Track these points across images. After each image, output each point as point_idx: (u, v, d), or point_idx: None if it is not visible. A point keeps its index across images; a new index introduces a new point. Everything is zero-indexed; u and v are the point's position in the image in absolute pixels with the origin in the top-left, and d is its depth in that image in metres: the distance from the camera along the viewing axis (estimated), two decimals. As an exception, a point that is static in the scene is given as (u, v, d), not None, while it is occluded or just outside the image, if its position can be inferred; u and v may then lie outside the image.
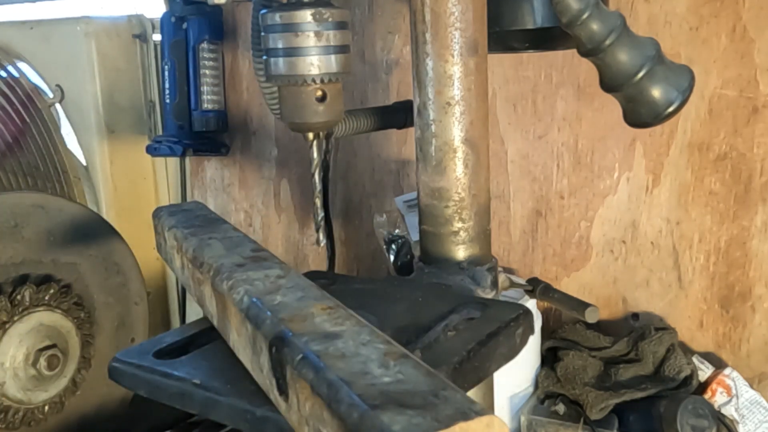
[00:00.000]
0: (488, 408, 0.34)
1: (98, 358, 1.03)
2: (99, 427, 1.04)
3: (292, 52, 0.56)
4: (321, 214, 0.62)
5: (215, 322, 0.53)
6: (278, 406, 0.43)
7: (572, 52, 0.63)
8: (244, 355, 0.48)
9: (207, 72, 1.33)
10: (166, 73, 1.33)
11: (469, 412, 0.33)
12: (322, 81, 0.57)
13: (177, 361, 0.51)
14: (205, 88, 1.33)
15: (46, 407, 0.97)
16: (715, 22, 0.93)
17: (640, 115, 0.60)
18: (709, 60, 0.94)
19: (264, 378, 0.44)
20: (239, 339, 0.48)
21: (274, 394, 0.43)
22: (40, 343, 0.95)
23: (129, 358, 0.52)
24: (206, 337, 0.55)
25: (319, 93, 0.58)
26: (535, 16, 0.70)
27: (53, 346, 0.96)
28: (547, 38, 0.73)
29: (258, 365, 0.45)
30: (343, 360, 0.39)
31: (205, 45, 1.32)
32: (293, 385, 0.40)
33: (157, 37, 1.41)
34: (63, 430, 1.00)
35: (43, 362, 0.95)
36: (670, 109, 0.59)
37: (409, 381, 0.37)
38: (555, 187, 1.08)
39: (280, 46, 0.56)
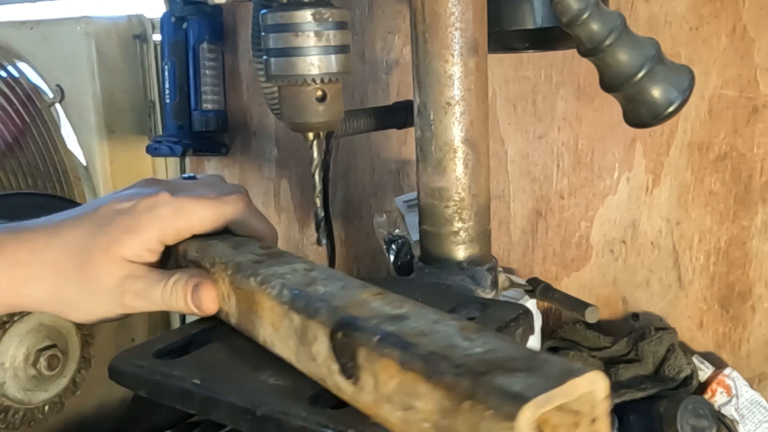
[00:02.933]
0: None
1: (98, 358, 1.03)
2: (99, 427, 1.04)
3: (292, 52, 0.56)
4: (321, 214, 0.62)
5: (233, 321, 0.53)
6: (338, 391, 0.43)
7: (572, 52, 0.63)
8: (284, 348, 0.48)
9: (207, 72, 1.33)
10: (166, 73, 1.33)
11: (574, 371, 0.34)
12: (322, 81, 0.57)
13: (177, 361, 0.51)
14: (205, 88, 1.33)
15: (46, 407, 0.97)
16: (715, 22, 0.93)
17: (640, 115, 0.60)
18: (709, 60, 0.94)
19: (318, 366, 0.44)
20: (277, 333, 0.48)
21: (333, 380, 0.43)
22: (40, 343, 0.95)
23: (129, 358, 0.52)
24: (206, 337, 0.55)
25: (319, 93, 0.58)
26: (535, 16, 0.70)
27: (53, 346, 0.96)
28: (547, 38, 0.73)
29: (308, 355, 0.45)
30: (424, 337, 0.39)
31: (205, 45, 1.32)
32: (369, 366, 0.40)
33: (157, 37, 1.41)
34: (63, 430, 1.00)
35: (43, 362, 0.94)
36: (670, 109, 0.59)
37: (500, 350, 0.37)
38: (555, 187, 1.08)
39: (280, 46, 0.56)
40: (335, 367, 0.43)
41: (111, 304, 0.55)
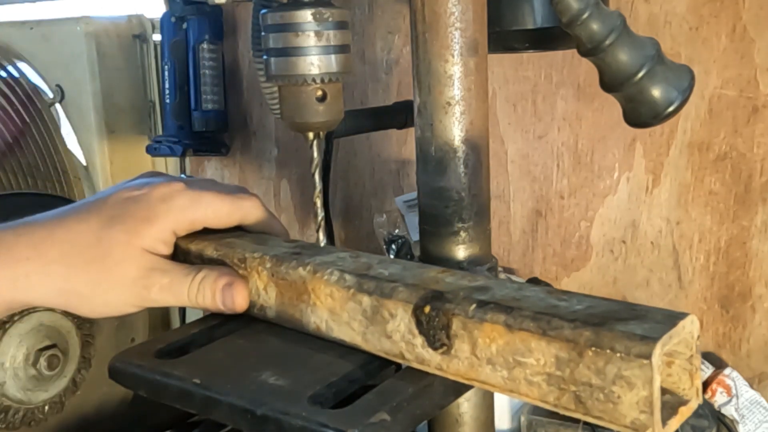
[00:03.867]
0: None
1: (98, 358, 1.03)
2: (99, 427, 1.04)
3: (292, 51, 0.56)
4: (321, 214, 0.62)
5: (270, 314, 0.54)
6: (420, 364, 0.46)
7: (572, 52, 0.63)
8: (347, 330, 0.49)
9: (207, 72, 1.33)
10: (166, 73, 1.33)
11: (677, 315, 0.39)
12: (322, 81, 0.57)
13: (177, 361, 0.51)
14: (205, 88, 1.33)
15: (46, 407, 0.97)
16: (715, 22, 0.93)
17: (640, 115, 0.60)
18: (709, 60, 0.94)
19: (394, 343, 0.46)
20: (338, 317, 0.49)
21: (414, 354, 0.46)
22: (40, 343, 0.95)
23: (129, 358, 0.52)
24: (206, 337, 0.55)
25: (320, 93, 0.58)
26: (535, 16, 0.70)
27: (53, 346, 0.96)
28: (547, 38, 0.73)
29: (381, 334, 0.47)
30: (519, 301, 0.42)
31: (205, 45, 1.32)
32: (466, 334, 0.43)
33: (157, 37, 1.41)
34: (63, 430, 1.00)
35: (43, 362, 0.94)
36: (670, 109, 0.59)
37: (599, 305, 0.41)
38: (555, 187, 1.08)
39: (280, 45, 0.56)
40: (419, 340, 0.45)
41: (130, 297, 0.54)
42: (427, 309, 0.44)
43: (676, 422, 0.41)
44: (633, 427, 0.38)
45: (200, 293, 0.53)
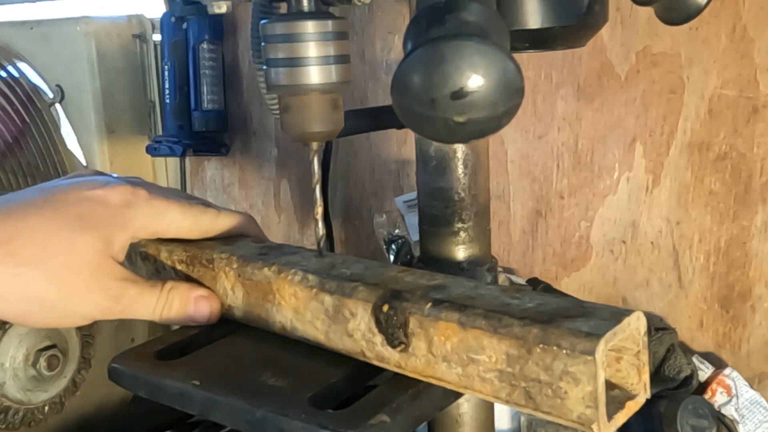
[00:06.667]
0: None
1: (98, 358, 1.03)
2: (99, 427, 1.04)
3: (292, 62, 0.56)
4: (322, 231, 0.60)
5: (237, 314, 0.54)
6: (380, 362, 0.46)
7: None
8: (310, 329, 0.49)
9: (207, 72, 1.33)
10: (166, 73, 1.33)
11: (623, 312, 0.40)
12: (322, 91, 0.57)
13: (177, 361, 0.51)
14: (205, 88, 1.33)
15: (46, 407, 0.97)
16: (715, 22, 0.93)
17: (675, 19, 0.60)
18: (709, 60, 0.93)
19: (355, 342, 0.47)
20: (301, 316, 0.50)
21: (375, 352, 0.46)
22: (40, 344, 0.95)
23: (129, 359, 0.52)
24: (206, 337, 0.55)
25: (319, 103, 0.58)
26: (535, 16, 0.70)
27: (53, 346, 0.96)
28: (547, 38, 0.73)
29: (342, 333, 0.47)
30: (474, 300, 0.43)
31: (205, 45, 1.32)
32: (422, 332, 0.43)
33: (157, 37, 1.41)
34: (63, 430, 1.00)
35: (43, 362, 0.94)
36: (703, 3, 0.59)
37: (549, 303, 0.42)
38: (555, 187, 1.08)
39: (280, 56, 0.56)
40: (378, 339, 0.45)
41: (94, 308, 0.51)
42: (385, 308, 0.45)
43: (622, 416, 0.42)
44: (579, 422, 0.38)
45: (167, 304, 0.53)
